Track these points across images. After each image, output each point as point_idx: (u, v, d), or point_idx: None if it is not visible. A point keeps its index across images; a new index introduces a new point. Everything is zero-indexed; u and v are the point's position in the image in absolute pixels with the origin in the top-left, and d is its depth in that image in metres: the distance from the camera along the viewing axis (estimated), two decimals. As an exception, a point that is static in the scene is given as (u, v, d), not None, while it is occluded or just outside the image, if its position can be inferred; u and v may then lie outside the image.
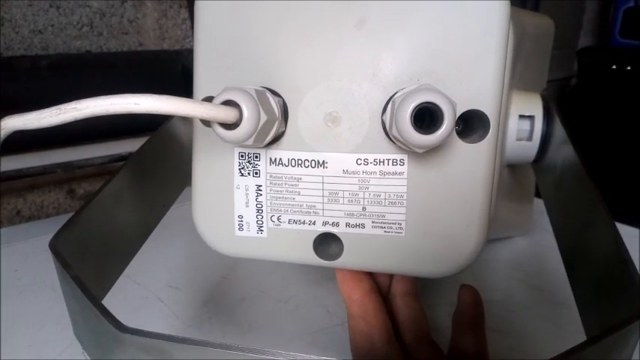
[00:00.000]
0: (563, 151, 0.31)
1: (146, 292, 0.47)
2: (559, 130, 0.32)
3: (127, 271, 0.31)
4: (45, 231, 0.59)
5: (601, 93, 1.25)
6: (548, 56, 0.47)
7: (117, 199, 0.30)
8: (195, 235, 0.31)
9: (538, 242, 0.56)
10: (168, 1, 0.73)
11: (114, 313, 0.20)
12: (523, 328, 0.42)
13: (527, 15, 0.42)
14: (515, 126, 0.34)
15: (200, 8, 0.28)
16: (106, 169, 0.69)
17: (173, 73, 0.67)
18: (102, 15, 0.67)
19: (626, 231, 0.56)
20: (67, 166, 0.65)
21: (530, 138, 0.34)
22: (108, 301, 0.27)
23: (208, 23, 0.28)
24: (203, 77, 0.29)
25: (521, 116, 0.34)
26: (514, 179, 0.44)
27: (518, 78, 0.36)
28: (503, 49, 0.25)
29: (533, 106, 0.34)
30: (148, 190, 0.34)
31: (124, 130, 0.65)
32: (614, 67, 1.22)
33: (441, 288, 0.46)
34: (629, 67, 1.20)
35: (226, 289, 0.48)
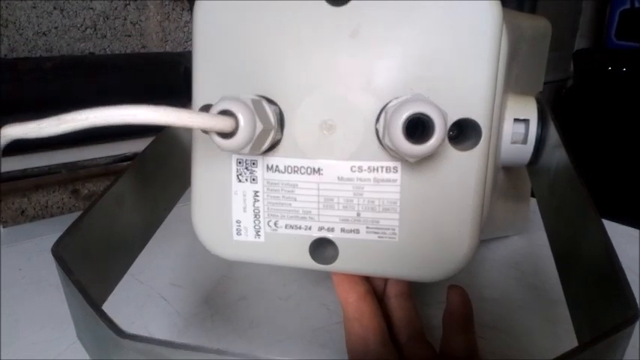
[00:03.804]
0: (557, 154, 0.31)
1: (149, 291, 0.48)
2: (553, 134, 0.32)
3: (131, 269, 0.32)
4: (49, 230, 0.60)
5: (597, 94, 1.24)
6: (545, 58, 0.47)
7: (119, 202, 0.31)
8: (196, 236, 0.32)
9: (534, 241, 0.57)
10: (170, 4, 0.73)
11: (118, 312, 0.20)
12: (520, 326, 0.43)
13: (524, 17, 0.42)
14: (510, 129, 0.34)
15: (198, 16, 0.29)
16: (109, 170, 0.69)
17: (175, 75, 0.67)
18: (105, 17, 0.68)
19: (625, 231, 0.57)
20: (71, 167, 0.65)
21: (524, 141, 0.34)
22: (112, 300, 0.28)
23: (207, 31, 0.29)
24: (202, 85, 0.29)
25: (516, 120, 0.35)
26: (510, 179, 0.45)
27: (514, 81, 0.36)
28: (495, 57, 0.26)
29: (528, 109, 0.34)
30: (151, 192, 0.34)
31: (128, 131, 0.65)
32: (610, 68, 1.22)
33: (436, 286, 0.46)
34: (624, 69, 1.20)
35: (228, 287, 0.49)
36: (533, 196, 0.42)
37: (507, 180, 0.43)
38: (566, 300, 0.27)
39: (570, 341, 0.19)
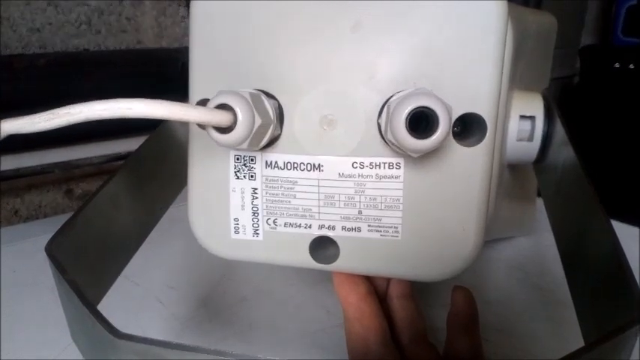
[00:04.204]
0: (564, 152, 0.31)
1: (145, 293, 0.47)
2: (560, 131, 0.32)
3: (126, 271, 0.31)
4: (43, 231, 0.59)
5: (603, 91, 1.24)
6: (551, 54, 0.46)
7: (114, 201, 0.30)
8: (193, 236, 0.31)
9: (540, 242, 0.56)
10: (166, -1, 0.73)
11: (112, 314, 0.20)
12: (525, 327, 0.43)
13: (529, 13, 0.42)
14: (515, 126, 0.34)
15: (195, 9, 0.28)
16: (103, 169, 0.69)
17: (172, 71, 0.67)
18: (100, 13, 0.67)
19: (626, 231, 0.56)
20: (64, 166, 0.65)
21: (531, 138, 0.34)
22: (106, 302, 0.27)
23: (204, 24, 0.28)
24: (199, 79, 0.29)
25: (522, 116, 0.34)
26: (516, 179, 0.44)
27: (519, 77, 0.36)
28: (500, 52, 0.25)
29: (534, 106, 0.34)
30: (146, 191, 0.34)
31: (122, 130, 0.65)
32: (616, 65, 1.22)
33: (440, 287, 0.45)
34: (631, 66, 1.20)
35: (226, 289, 0.48)
36: (539, 196, 0.42)
37: (513, 179, 0.43)
38: (573, 299, 0.27)
39: (577, 344, 0.19)
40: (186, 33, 0.75)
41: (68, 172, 0.68)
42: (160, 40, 0.74)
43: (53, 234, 0.25)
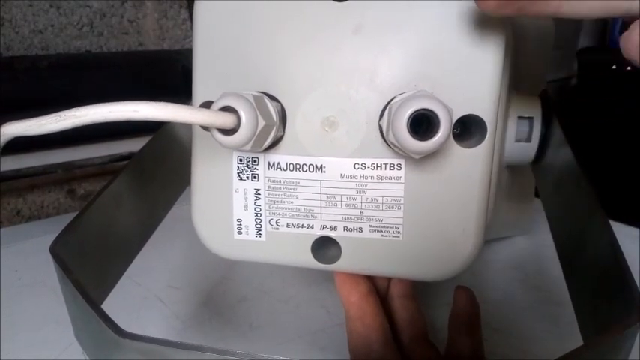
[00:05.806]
0: (562, 152, 0.31)
1: (146, 293, 0.48)
2: (557, 132, 0.32)
3: (128, 271, 0.31)
4: (45, 231, 0.59)
5: (601, 93, 1.24)
6: (549, 56, 0.47)
7: (117, 201, 0.30)
8: (196, 236, 0.31)
9: (538, 242, 0.56)
10: (168, 2, 0.73)
11: (114, 314, 0.20)
12: (523, 327, 0.43)
13: (526, 16, 0.42)
14: (514, 127, 0.34)
15: (199, 12, 0.28)
16: (106, 170, 0.69)
17: (173, 73, 0.67)
18: (102, 15, 0.67)
19: (626, 231, 0.56)
20: (67, 167, 0.65)
21: (529, 139, 0.34)
22: (108, 302, 0.27)
23: (207, 27, 0.28)
24: (202, 82, 0.29)
25: (520, 118, 0.34)
26: (514, 179, 0.44)
27: (517, 79, 0.36)
28: (500, 54, 0.25)
29: (532, 107, 0.34)
30: (149, 191, 0.34)
31: (125, 131, 0.65)
32: (613, 67, 1.22)
33: (440, 288, 0.46)
34: (628, 68, 1.20)
35: (226, 289, 0.49)
36: (537, 196, 0.42)
37: (511, 180, 0.43)
38: (571, 299, 0.27)
39: (575, 343, 0.19)
40: (187, 35, 0.75)
41: (70, 173, 0.68)
42: (162, 42, 0.74)
43: (57, 234, 0.25)
